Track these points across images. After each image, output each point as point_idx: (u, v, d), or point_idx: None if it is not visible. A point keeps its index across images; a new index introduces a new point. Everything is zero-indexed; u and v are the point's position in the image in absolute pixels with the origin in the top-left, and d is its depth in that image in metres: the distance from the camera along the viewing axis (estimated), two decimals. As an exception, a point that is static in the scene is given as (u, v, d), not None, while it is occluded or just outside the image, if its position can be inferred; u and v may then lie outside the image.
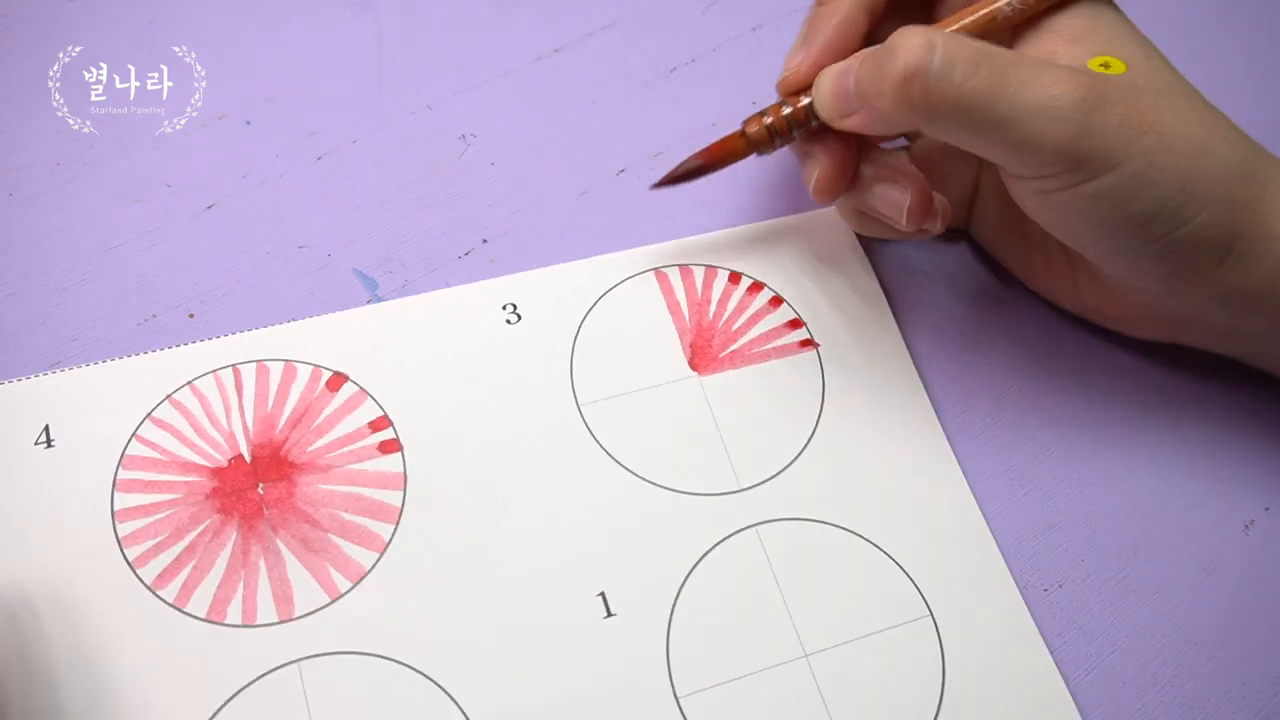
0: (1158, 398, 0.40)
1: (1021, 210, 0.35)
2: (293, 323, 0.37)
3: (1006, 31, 0.35)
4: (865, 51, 0.34)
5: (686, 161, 0.38)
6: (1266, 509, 0.38)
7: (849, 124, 0.34)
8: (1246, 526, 0.38)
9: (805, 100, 0.36)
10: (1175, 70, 0.35)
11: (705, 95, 0.44)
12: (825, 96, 0.35)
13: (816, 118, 0.36)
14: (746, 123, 0.37)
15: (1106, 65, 0.33)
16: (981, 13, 0.35)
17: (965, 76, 0.31)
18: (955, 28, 0.35)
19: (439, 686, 0.32)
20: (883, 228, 0.38)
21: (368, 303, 0.38)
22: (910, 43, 0.31)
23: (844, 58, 0.35)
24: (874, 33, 0.36)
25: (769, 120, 0.36)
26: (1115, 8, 0.36)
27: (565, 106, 0.44)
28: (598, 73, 0.45)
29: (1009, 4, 0.34)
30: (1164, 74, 0.34)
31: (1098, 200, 0.32)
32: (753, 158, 0.38)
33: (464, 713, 0.32)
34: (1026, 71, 0.31)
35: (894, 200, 0.36)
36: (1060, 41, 0.35)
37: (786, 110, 0.36)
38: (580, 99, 0.44)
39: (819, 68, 0.35)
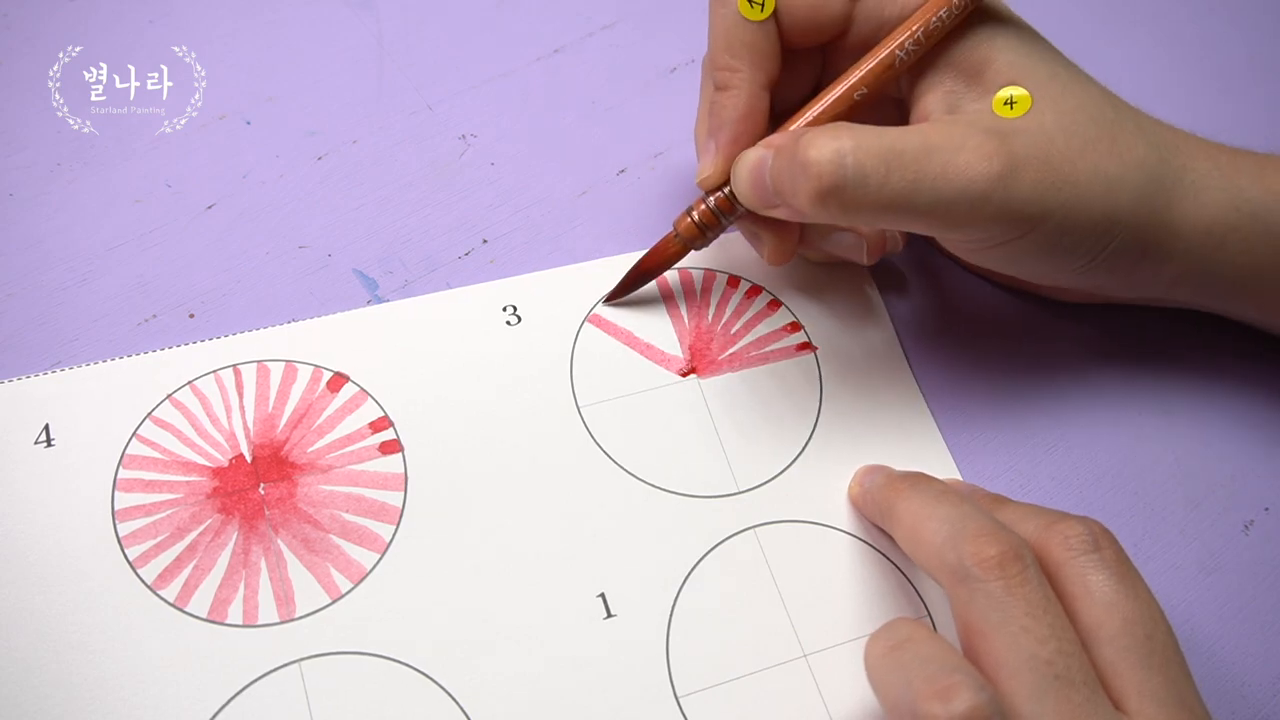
0: (1157, 399, 0.40)
1: None
2: (293, 323, 0.37)
3: (905, 74, 0.35)
4: (776, 142, 0.33)
5: (627, 274, 0.38)
6: (1266, 509, 0.38)
7: (774, 214, 0.35)
8: (1246, 526, 0.38)
9: (727, 189, 0.36)
10: (1080, 79, 0.35)
11: (705, 95, 0.44)
12: (745, 191, 0.35)
13: (742, 204, 0.35)
14: (677, 222, 0.37)
15: (1011, 103, 0.33)
16: (878, 62, 0.34)
17: (880, 183, 0.31)
18: (852, 82, 0.34)
19: (439, 686, 0.32)
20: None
21: (368, 303, 0.38)
22: (820, 155, 0.31)
23: (754, 143, 0.35)
24: (774, 97, 0.36)
25: (695, 216, 0.36)
26: (1012, 22, 0.35)
27: (565, 106, 0.44)
28: (598, 73, 0.45)
29: (903, 49, 0.34)
30: (1070, 94, 0.34)
31: (1021, 252, 0.34)
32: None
33: (464, 712, 0.32)
34: (938, 162, 0.31)
35: (851, 244, 0.37)
36: (960, 79, 0.34)
37: (710, 202, 0.36)
38: (580, 99, 0.44)
39: (732, 163, 0.35)
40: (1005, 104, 0.33)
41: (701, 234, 0.37)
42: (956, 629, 0.29)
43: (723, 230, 0.37)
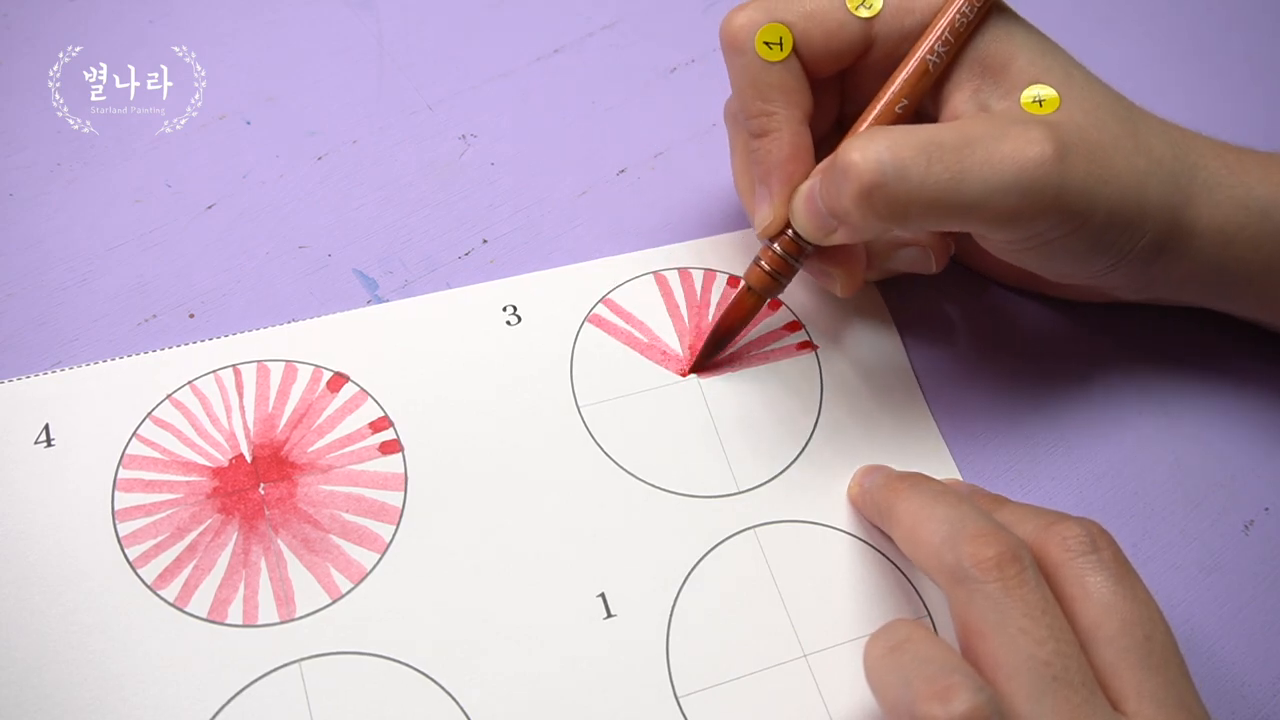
0: (1157, 399, 0.40)
1: None
2: (293, 323, 0.37)
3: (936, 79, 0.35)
4: (823, 167, 0.34)
5: (708, 339, 0.37)
6: (1266, 509, 0.38)
7: (835, 240, 0.34)
8: (1246, 526, 0.38)
9: (790, 231, 0.35)
10: (1092, 78, 0.35)
11: (705, 95, 0.44)
12: (804, 224, 0.34)
13: (808, 243, 0.35)
14: (747, 276, 0.36)
15: (1040, 102, 0.33)
16: (912, 70, 0.34)
17: (922, 176, 0.31)
18: (891, 96, 0.34)
19: (439, 686, 0.32)
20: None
21: (368, 303, 0.38)
22: (858, 158, 0.31)
23: (805, 179, 0.35)
24: (814, 128, 0.36)
25: (765, 265, 0.36)
26: (1021, 21, 0.35)
27: (565, 106, 0.44)
28: (598, 73, 0.45)
29: (933, 53, 0.34)
30: (1089, 92, 0.34)
31: (1060, 250, 0.34)
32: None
33: (464, 712, 0.32)
34: (981, 152, 0.31)
35: (918, 259, 0.38)
36: (986, 76, 0.34)
37: (776, 248, 0.36)
38: (580, 99, 0.44)
39: (788, 206, 0.35)
40: (1034, 102, 0.33)
41: (775, 281, 0.36)
42: (955, 630, 0.29)
43: (795, 273, 0.36)
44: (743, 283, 0.37)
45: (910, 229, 0.36)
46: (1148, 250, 0.34)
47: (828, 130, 0.38)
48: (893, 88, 0.34)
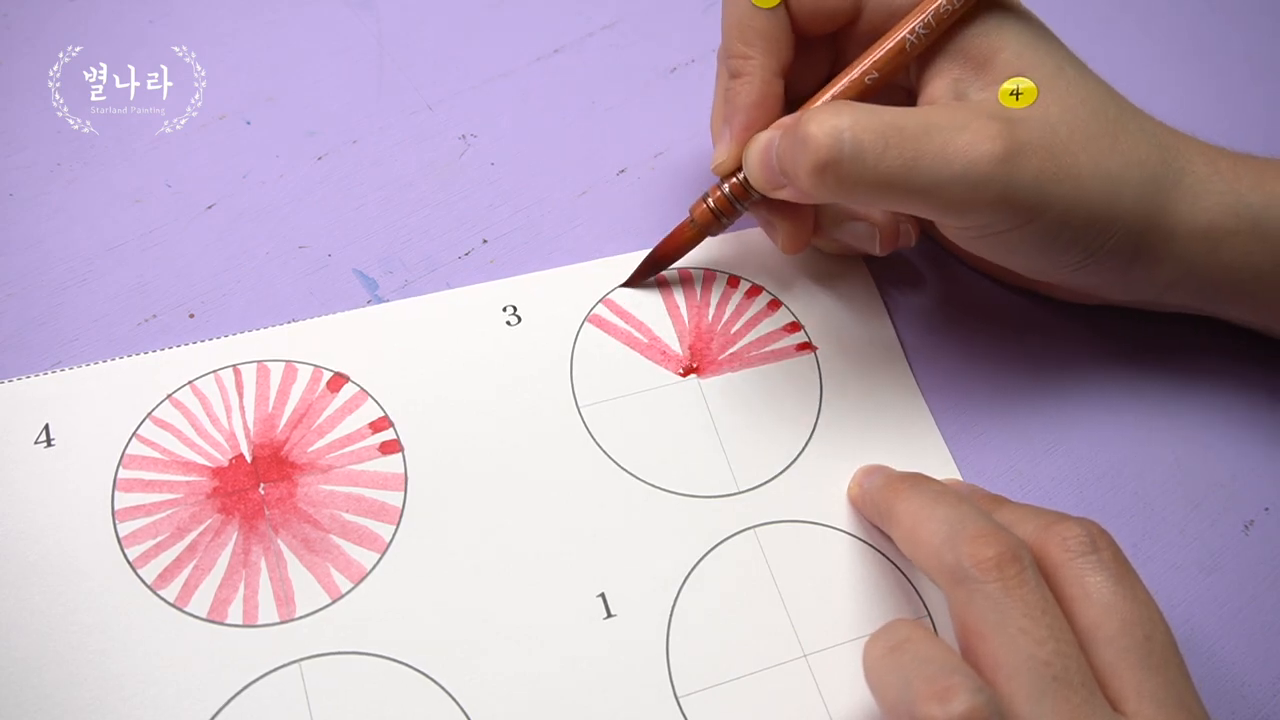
0: (1157, 399, 0.40)
1: None
2: (293, 323, 0.37)
3: (914, 61, 0.35)
4: (785, 122, 0.34)
5: (643, 260, 0.39)
6: (1266, 509, 0.38)
7: (782, 195, 0.35)
8: (1246, 526, 0.38)
9: (741, 175, 0.36)
10: (1086, 74, 0.35)
11: (705, 95, 0.44)
12: (755, 173, 0.35)
13: (756, 191, 0.36)
14: (692, 209, 0.37)
15: (1017, 94, 0.33)
16: (889, 47, 0.34)
17: (878, 159, 0.31)
18: (865, 67, 0.34)
19: (439, 686, 0.32)
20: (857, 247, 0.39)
21: (368, 303, 0.38)
22: (819, 130, 0.31)
23: (767, 127, 0.35)
24: (789, 85, 0.36)
25: (711, 202, 0.37)
26: (1021, 14, 0.35)
27: (565, 106, 0.44)
28: (598, 73, 0.45)
29: (913, 33, 0.34)
30: (1075, 88, 0.34)
31: (1018, 243, 0.34)
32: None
33: (464, 712, 0.32)
34: (938, 141, 0.31)
35: (863, 234, 0.38)
36: (968, 66, 0.34)
37: (725, 189, 0.36)
38: (580, 99, 0.44)
39: (743, 149, 0.36)
40: (1011, 94, 0.33)
41: (716, 220, 0.37)
42: (955, 630, 0.29)
43: (738, 216, 0.37)
44: (688, 215, 0.38)
45: (856, 205, 0.37)
46: (1121, 250, 0.35)
47: (814, 89, 0.38)
48: (868, 60, 0.35)
